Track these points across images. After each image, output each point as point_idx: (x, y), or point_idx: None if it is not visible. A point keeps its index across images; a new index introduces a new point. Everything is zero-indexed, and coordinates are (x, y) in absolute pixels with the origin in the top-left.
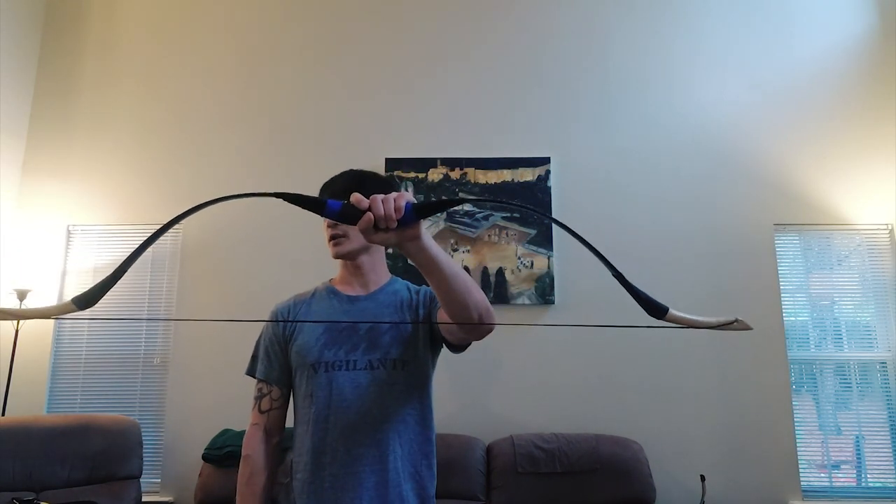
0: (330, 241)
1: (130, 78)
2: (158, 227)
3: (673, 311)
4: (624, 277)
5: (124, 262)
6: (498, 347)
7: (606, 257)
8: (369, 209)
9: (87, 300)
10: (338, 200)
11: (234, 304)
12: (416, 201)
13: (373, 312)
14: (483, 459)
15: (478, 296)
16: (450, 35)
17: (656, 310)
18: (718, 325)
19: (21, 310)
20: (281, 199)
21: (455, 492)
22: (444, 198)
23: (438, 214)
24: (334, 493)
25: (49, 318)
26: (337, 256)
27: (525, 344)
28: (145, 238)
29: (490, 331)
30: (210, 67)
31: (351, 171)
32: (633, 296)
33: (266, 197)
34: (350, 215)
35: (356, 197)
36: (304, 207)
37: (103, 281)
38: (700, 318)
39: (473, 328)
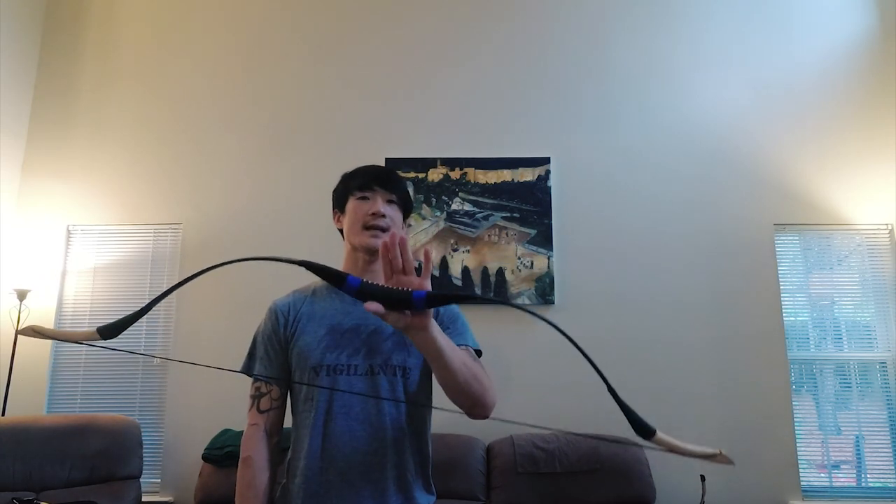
0: (368, 229)
1: (130, 78)
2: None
3: (660, 435)
4: (617, 394)
5: (152, 301)
6: (498, 347)
7: (600, 368)
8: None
9: (110, 331)
10: (357, 277)
11: (234, 303)
12: (429, 290)
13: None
14: (483, 459)
15: (476, 388)
16: (450, 35)
17: (644, 431)
18: (701, 455)
19: (52, 330)
20: (297, 261)
21: (455, 492)
22: (458, 294)
23: (438, 213)
24: (329, 499)
25: (76, 342)
26: (372, 248)
27: (525, 344)
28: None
29: (483, 416)
30: (210, 68)
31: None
32: (624, 413)
33: (291, 263)
34: (368, 293)
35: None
36: (325, 279)
37: (129, 316)
38: (684, 445)
39: (466, 409)
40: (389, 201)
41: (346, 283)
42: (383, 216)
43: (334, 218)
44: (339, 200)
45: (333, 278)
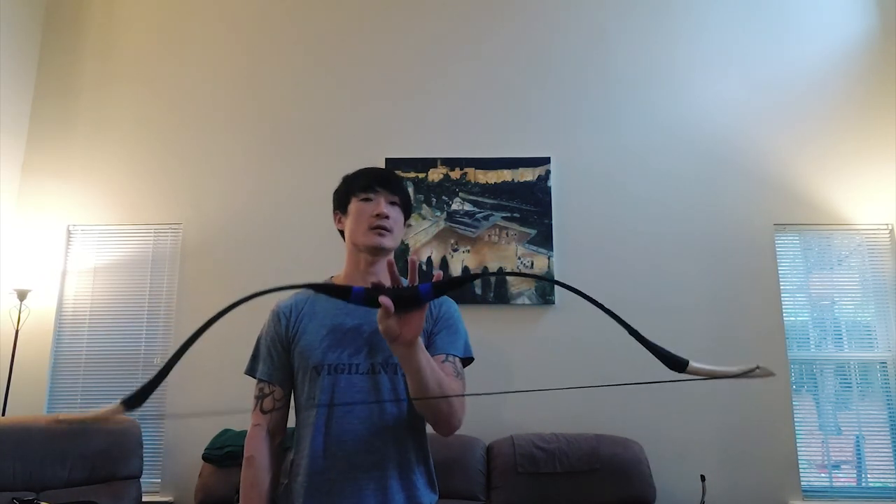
0: (374, 229)
1: (130, 78)
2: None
3: (693, 364)
4: (641, 335)
5: (169, 360)
6: (499, 347)
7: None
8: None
9: (134, 400)
10: (360, 286)
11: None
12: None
13: (376, 314)
14: (483, 459)
15: (443, 409)
16: (450, 36)
17: (676, 364)
18: (740, 374)
19: (80, 415)
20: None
21: (455, 492)
22: (461, 276)
23: (438, 213)
24: (332, 498)
25: (104, 419)
26: (378, 247)
27: (525, 344)
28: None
29: (445, 435)
30: (210, 67)
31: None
32: (652, 352)
33: (298, 288)
34: (372, 299)
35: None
36: (332, 296)
37: (148, 382)
38: (721, 368)
39: (430, 424)
40: (392, 203)
41: (352, 294)
42: (387, 217)
43: (335, 219)
44: (341, 202)
45: (340, 294)
